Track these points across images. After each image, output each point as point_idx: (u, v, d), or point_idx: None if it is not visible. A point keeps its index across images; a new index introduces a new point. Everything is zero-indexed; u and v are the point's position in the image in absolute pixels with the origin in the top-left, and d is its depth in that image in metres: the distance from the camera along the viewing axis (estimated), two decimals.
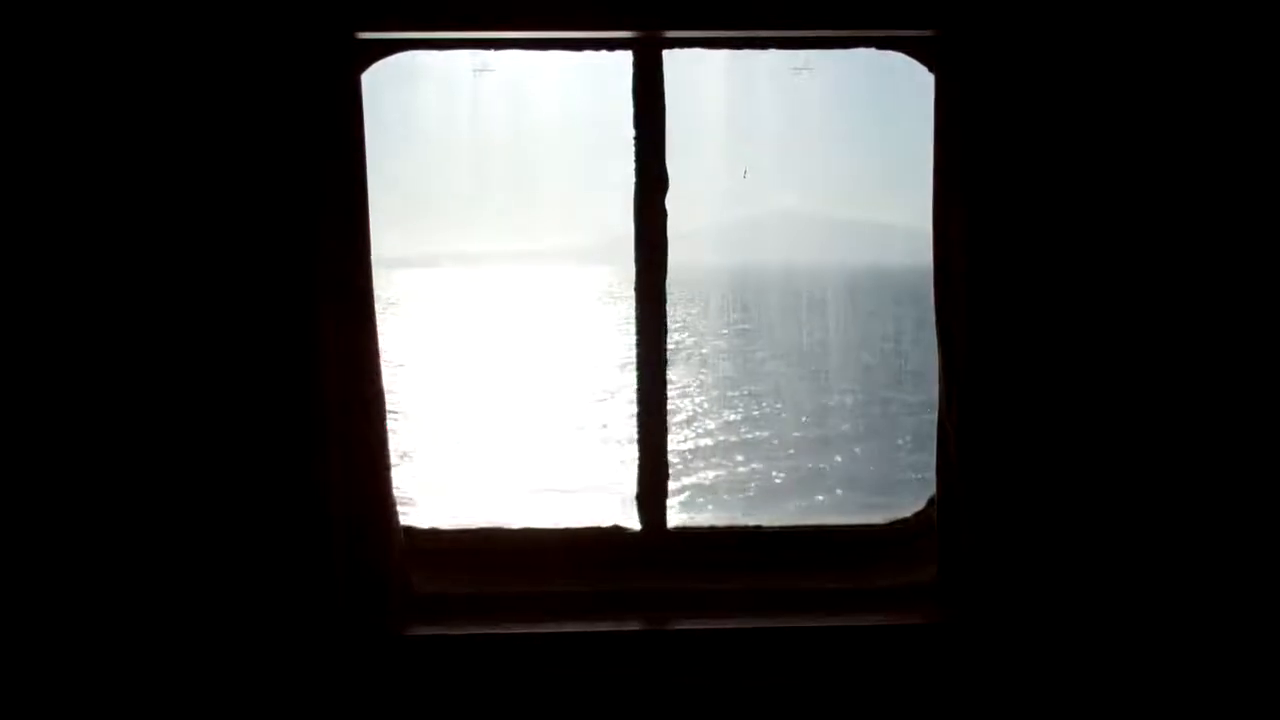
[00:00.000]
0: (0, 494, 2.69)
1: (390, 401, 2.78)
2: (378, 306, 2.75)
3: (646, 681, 2.78)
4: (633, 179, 2.94)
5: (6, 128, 2.62)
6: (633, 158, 2.93)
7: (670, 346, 3.02)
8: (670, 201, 2.95)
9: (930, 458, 2.85)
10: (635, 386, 2.97)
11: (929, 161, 2.76)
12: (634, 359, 2.98)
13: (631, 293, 2.98)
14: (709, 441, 16.46)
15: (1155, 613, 2.79)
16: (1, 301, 2.66)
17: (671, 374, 3.00)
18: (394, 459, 2.78)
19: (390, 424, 2.78)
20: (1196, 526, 2.78)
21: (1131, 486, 2.77)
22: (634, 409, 2.99)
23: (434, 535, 3.00)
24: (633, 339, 2.97)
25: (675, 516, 3.06)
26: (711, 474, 14.42)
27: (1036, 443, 2.73)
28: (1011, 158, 2.67)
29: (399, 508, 2.83)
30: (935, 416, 2.85)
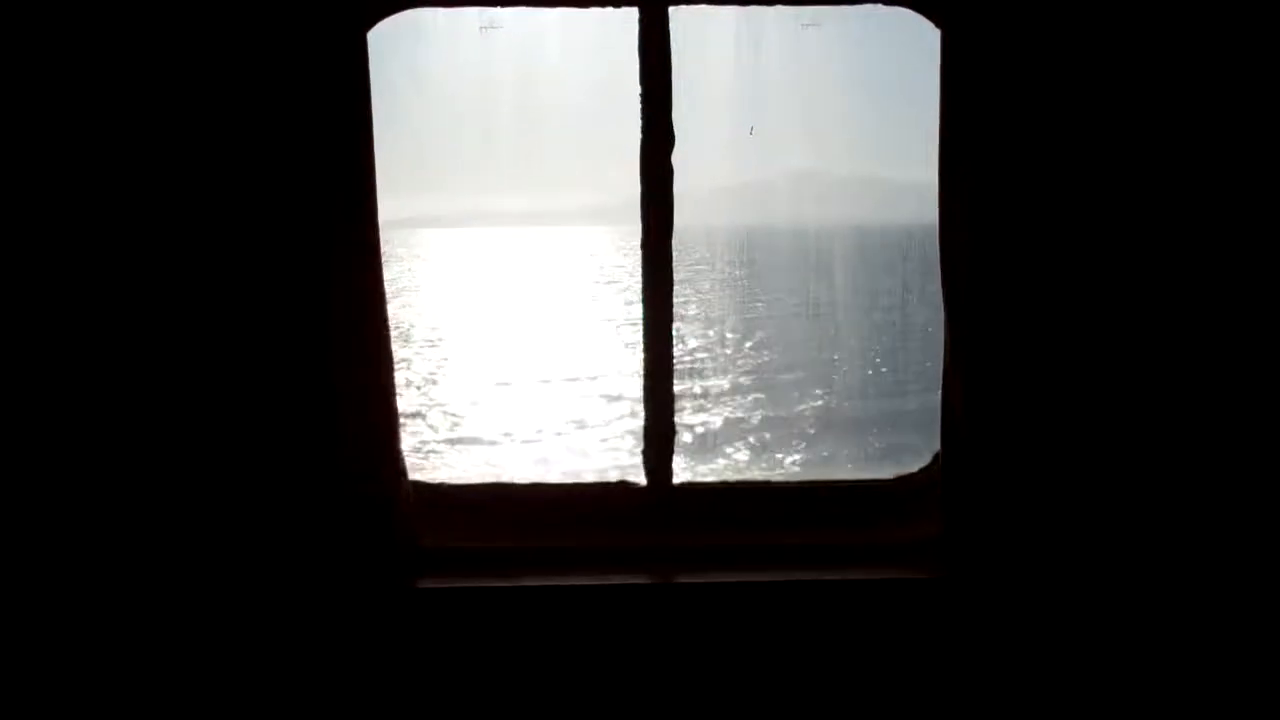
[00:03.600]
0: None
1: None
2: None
3: (653, 634, 2.81)
4: (639, 137, 2.93)
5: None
6: (639, 115, 2.93)
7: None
8: (678, 162, 2.95)
9: None
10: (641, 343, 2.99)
11: (936, 119, 2.76)
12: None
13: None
14: None
15: (1156, 565, 2.82)
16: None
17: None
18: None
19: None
20: (1200, 481, 2.80)
21: (1134, 443, 2.79)
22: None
23: (441, 490, 3.02)
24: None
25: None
26: None
27: (1041, 400, 2.74)
28: (1017, 116, 2.67)
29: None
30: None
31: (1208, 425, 2.79)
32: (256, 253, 2.69)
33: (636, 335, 3.02)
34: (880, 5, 2.86)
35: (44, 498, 2.73)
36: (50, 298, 2.69)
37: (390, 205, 2.76)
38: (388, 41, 2.91)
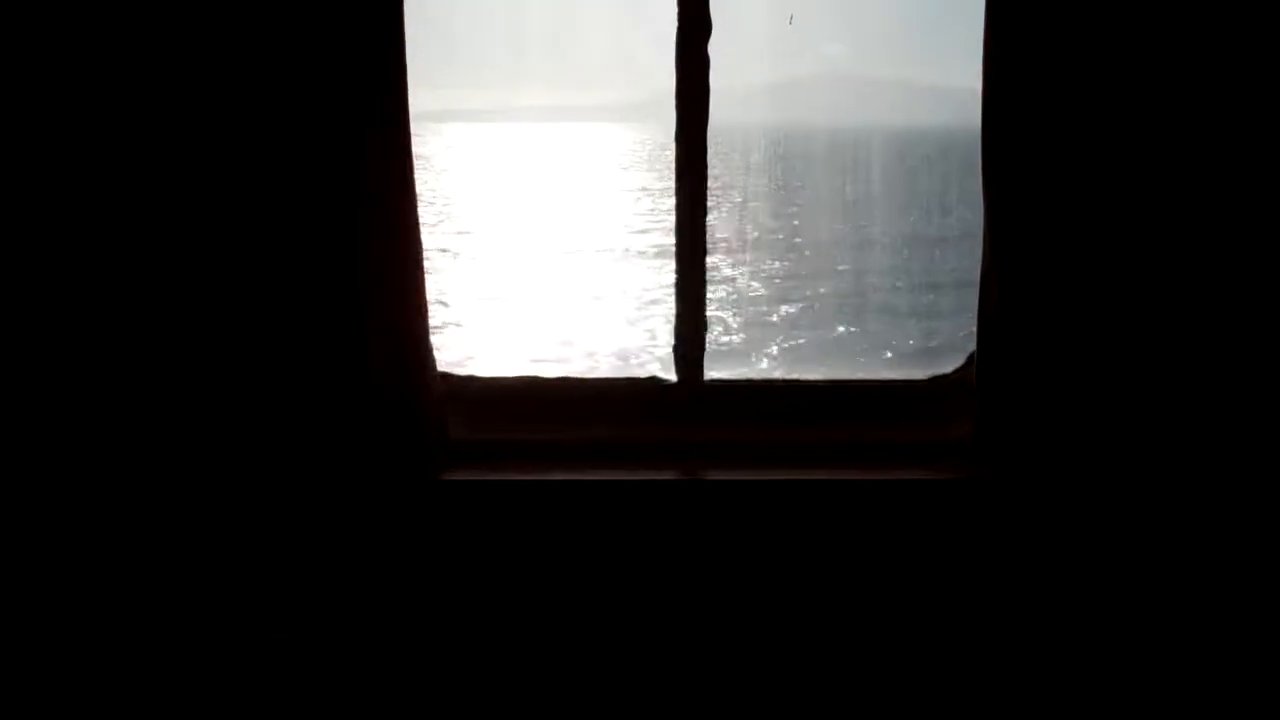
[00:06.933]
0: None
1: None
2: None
3: (680, 530, 2.82)
4: (675, 25, 2.85)
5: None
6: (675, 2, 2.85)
7: None
8: (714, 57, 2.87)
9: None
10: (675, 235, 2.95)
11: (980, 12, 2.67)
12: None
13: None
14: None
15: (1190, 469, 2.79)
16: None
17: None
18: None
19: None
20: (1240, 382, 2.76)
21: (1175, 347, 2.74)
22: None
23: (471, 382, 3.01)
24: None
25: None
26: None
27: (1078, 303, 2.69)
28: (1067, 13, 2.58)
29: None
30: None
31: (1247, 326, 2.73)
32: (285, 141, 2.65)
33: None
34: None
35: (92, 387, 2.75)
36: (93, 192, 2.67)
37: (415, 99, 2.71)
38: None
